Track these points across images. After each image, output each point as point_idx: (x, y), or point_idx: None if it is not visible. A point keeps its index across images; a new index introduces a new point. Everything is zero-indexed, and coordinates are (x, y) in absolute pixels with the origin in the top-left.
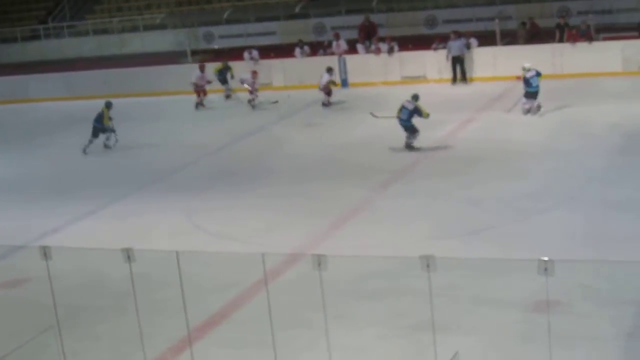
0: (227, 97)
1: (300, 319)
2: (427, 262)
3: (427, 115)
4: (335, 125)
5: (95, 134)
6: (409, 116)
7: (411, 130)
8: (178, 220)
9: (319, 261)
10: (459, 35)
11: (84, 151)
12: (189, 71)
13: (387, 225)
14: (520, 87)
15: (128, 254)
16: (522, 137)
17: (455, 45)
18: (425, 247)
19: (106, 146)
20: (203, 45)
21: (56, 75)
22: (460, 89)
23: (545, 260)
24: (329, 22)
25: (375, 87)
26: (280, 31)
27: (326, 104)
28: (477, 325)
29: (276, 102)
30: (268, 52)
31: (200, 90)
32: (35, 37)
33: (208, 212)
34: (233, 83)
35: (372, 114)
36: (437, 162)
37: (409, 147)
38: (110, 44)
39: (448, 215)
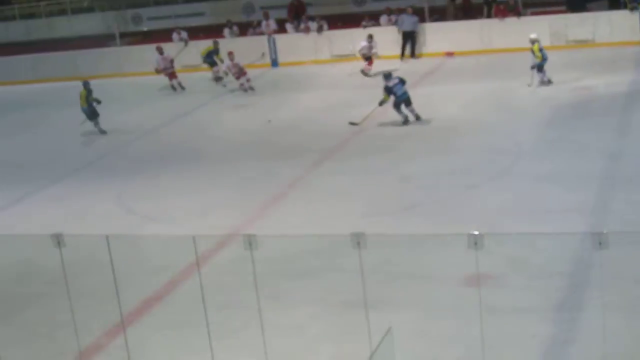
0: (217, 79)
1: (234, 300)
2: (358, 240)
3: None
4: (265, 106)
5: (91, 117)
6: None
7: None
8: (109, 205)
9: (250, 241)
10: (412, 11)
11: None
12: (118, 54)
13: (319, 204)
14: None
15: (58, 240)
16: (451, 113)
17: (409, 20)
18: (358, 225)
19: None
20: (132, 28)
21: None
22: (395, 66)
23: (475, 235)
24: (258, 1)
25: (306, 66)
26: (210, 12)
27: (366, 73)
28: (410, 301)
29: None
30: (197, 33)
31: (169, 74)
32: None
33: (139, 196)
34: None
35: (351, 123)
36: (369, 140)
37: (418, 117)
38: (38, 28)
39: (380, 192)
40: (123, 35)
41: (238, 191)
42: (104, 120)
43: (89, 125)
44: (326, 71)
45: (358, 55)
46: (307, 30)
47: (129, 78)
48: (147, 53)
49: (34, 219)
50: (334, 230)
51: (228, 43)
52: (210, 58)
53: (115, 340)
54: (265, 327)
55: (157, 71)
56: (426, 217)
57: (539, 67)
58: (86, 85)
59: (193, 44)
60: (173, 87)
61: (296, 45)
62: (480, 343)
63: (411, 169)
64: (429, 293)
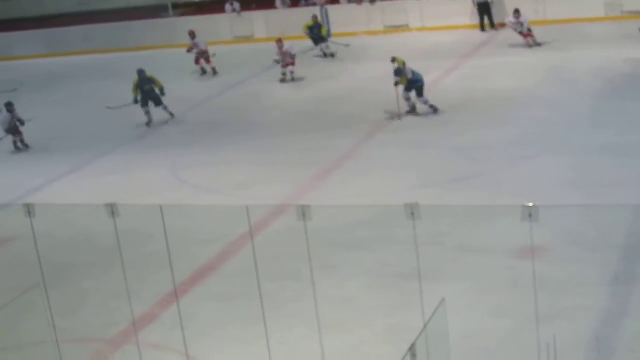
0: (326, 55)
1: (287, 271)
2: (412, 210)
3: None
4: (318, 77)
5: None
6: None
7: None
8: (162, 175)
9: (304, 212)
10: None
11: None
12: (171, 25)
13: (372, 175)
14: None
15: (112, 210)
16: (506, 84)
17: None
18: (410, 196)
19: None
20: None
21: (37, 32)
22: (443, 37)
23: (529, 206)
24: None
25: (358, 37)
26: None
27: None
28: (463, 273)
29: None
30: (250, 3)
31: (200, 58)
32: None
33: (192, 167)
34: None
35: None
36: (422, 111)
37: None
38: (91, 0)
39: (433, 163)
40: (176, 6)
41: (291, 162)
42: None
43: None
44: (379, 42)
45: (406, 27)
46: (359, 1)
47: (181, 49)
48: (200, 24)
49: (88, 189)
50: (385, 201)
51: (280, 14)
52: (313, 32)
53: (168, 310)
54: (318, 298)
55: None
56: (480, 189)
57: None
58: (140, 74)
59: (246, 15)
60: (203, 70)
61: (349, 16)
62: (533, 316)
63: (465, 141)
64: (482, 265)
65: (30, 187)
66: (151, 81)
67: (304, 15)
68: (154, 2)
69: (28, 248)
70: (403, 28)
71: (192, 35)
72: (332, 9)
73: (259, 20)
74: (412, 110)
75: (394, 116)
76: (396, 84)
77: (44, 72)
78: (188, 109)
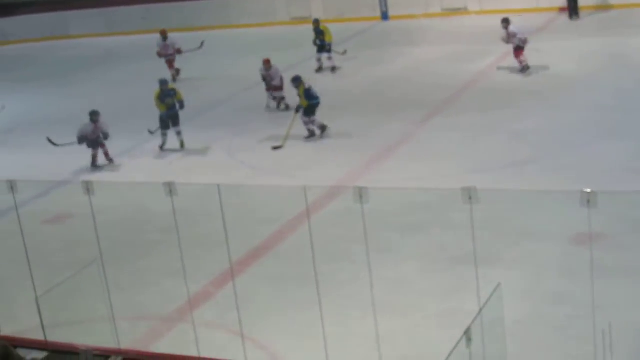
0: (321, 69)
1: (342, 252)
2: (469, 194)
3: None
4: (374, 59)
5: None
6: None
7: None
8: (219, 155)
9: (361, 194)
10: None
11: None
12: (223, 5)
13: (428, 159)
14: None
15: (170, 188)
16: (566, 69)
17: None
18: (468, 180)
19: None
20: None
21: (95, 11)
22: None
23: (588, 192)
24: None
25: (416, 19)
26: None
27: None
28: (520, 258)
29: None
30: None
31: (168, 61)
32: None
33: (248, 148)
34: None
35: (274, 147)
36: (479, 95)
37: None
38: None
39: (490, 148)
40: None
41: (347, 144)
42: (218, 70)
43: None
44: (436, 25)
45: (464, 10)
46: None
47: (233, 30)
48: (256, 4)
49: (146, 168)
50: (441, 185)
51: None
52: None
53: (223, 289)
54: (373, 281)
55: (159, 55)
56: (538, 174)
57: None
58: (162, 84)
59: None
60: (173, 78)
61: None
62: (589, 303)
63: (523, 125)
64: (539, 251)
65: (89, 164)
66: (173, 93)
67: None
68: None
69: (86, 225)
70: (461, 11)
71: (164, 34)
72: None
73: (316, 1)
74: (312, 135)
75: None
76: (297, 110)
77: (101, 51)
78: (243, 89)
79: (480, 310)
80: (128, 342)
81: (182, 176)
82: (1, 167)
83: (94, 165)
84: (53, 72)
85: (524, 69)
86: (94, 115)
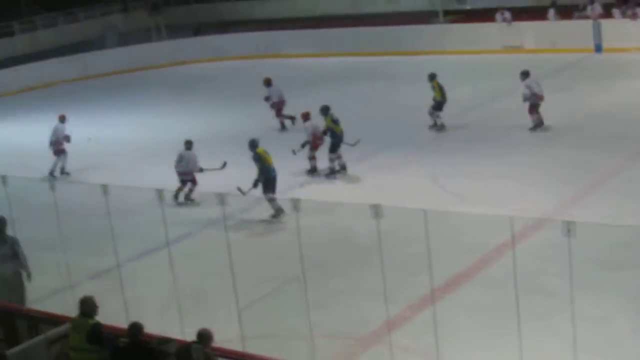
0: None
1: (543, 285)
2: None
3: None
4: (587, 92)
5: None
6: None
7: None
8: (423, 180)
9: (569, 227)
10: None
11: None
12: (441, 31)
13: (636, 195)
14: None
15: (376, 210)
16: None
17: None
18: None
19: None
20: (456, 6)
21: (307, 32)
22: None
23: None
24: None
25: (631, 53)
26: None
27: None
28: None
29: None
30: (520, 13)
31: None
32: None
33: (454, 174)
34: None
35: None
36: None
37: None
38: (363, 3)
39: None
40: (447, 12)
41: (553, 177)
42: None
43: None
44: None
45: None
46: (633, 16)
47: (450, 56)
48: (469, 32)
49: (350, 188)
50: None
51: (550, 25)
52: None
53: (420, 314)
54: (574, 315)
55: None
56: None
57: None
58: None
59: (516, 24)
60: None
61: (622, 31)
62: None
63: None
64: None
65: (294, 182)
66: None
67: (575, 29)
68: (425, 7)
69: (289, 241)
70: None
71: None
72: (605, 23)
73: (529, 31)
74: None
75: None
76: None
77: (311, 71)
78: (452, 116)
79: None
80: None
81: (385, 198)
82: (212, 179)
83: (178, 201)
84: (259, 90)
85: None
86: (188, 144)
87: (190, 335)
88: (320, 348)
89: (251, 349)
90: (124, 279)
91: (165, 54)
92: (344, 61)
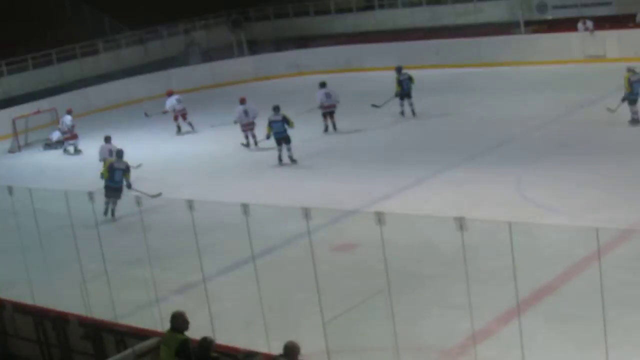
0: (403, 113)
1: (630, 297)
2: None
3: None
4: None
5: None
6: None
7: None
8: (507, 192)
9: None
10: None
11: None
12: (522, 42)
13: None
14: None
15: (461, 223)
16: None
17: None
18: None
19: None
20: (536, 16)
21: (389, 45)
22: None
23: None
24: None
25: None
26: (616, 2)
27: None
28: None
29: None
30: (603, 23)
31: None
32: (369, 7)
33: (538, 185)
34: None
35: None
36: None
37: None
38: (443, 15)
39: None
40: (528, 23)
41: (638, 188)
42: (508, 107)
43: None
44: None
45: None
46: None
47: (532, 67)
48: (551, 42)
49: (433, 201)
50: None
51: (634, 34)
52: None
53: (505, 327)
54: None
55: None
56: None
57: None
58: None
59: (598, 34)
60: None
61: None
62: None
63: None
64: None
65: (378, 194)
66: None
67: None
68: (506, 18)
69: (373, 254)
70: None
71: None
72: None
73: (611, 40)
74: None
75: None
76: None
77: (392, 84)
78: (535, 127)
79: None
80: None
81: (468, 211)
82: (298, 192)
83: None
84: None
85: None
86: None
87: (275, 349)
88: None
89: None
90: (209, 294)
91: (246, 69)
92: (425, 73)
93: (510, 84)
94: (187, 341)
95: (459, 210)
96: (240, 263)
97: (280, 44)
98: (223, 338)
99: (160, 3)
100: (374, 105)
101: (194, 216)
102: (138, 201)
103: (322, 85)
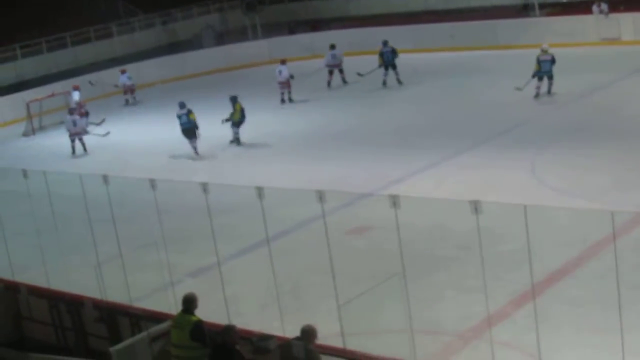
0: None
1: None
2: None
3: None
4: None
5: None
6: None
7: None
8: (522, 175)
9: None
10: None
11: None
12: (538, 25)
13: None
14: None
15: (475, 206)
16: None
17: None
18: None
19: None
20: None
21: (403, 27)
22: None
23: None
24: None
25: None
26: None
27: None
28: None
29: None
30: (618, 5)
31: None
32: None
33: (552, 168)
34: None
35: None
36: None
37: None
38: None
39: None
40: (542, 5)
41: None
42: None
43: None
44: None
45: None
46: None
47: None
48: (565, 24)
49: (447, 184)
50: None
51: None
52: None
53: (521, 309)
54: None
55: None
56: None
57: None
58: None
59: (613, 16)
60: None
61: None
62: None
63: None
64: None
65: (392, 178)
66: None
67: None
68: (520, 1)
69: (387, 237)
70: None
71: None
72: None
73: (626, 22)
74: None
75: None
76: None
77: (407, 67)
78: (550, 110)
79: None
80: (424, 356)
81: (484, 194)
82: (312, 175)
83: None
84: (359, 87)
85: None
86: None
87: (290, 332)
88: (421, 344)
89: (351, 345)
90: (224, 277)
91: (261, 52)
92: (439, 56)
93: (525, 66)
94: (200, 323)
95: (473, 194)
96: (255, 246)
97: (294, 27)
98: (237, 321)
99: None
100: (358, 74)
101: (208, 199)
102: (152, 184)
103: (332, 47)
